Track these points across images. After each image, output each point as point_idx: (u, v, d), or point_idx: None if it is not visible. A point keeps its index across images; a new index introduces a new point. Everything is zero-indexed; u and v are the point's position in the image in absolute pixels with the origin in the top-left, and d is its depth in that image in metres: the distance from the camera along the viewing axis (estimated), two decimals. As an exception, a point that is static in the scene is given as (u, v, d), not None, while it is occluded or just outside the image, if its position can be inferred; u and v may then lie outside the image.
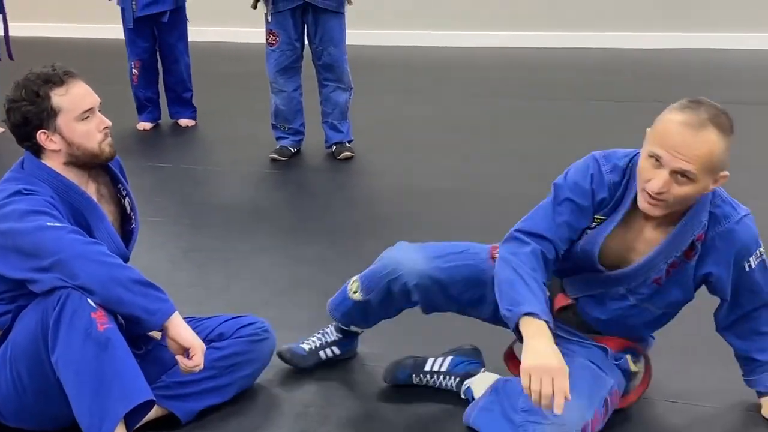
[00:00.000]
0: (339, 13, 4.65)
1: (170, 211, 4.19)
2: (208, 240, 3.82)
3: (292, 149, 4.87)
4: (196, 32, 7.27)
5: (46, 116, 2.29)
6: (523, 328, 2.12)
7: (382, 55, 7.17)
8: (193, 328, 2.28)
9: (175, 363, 2.30)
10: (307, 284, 3.32)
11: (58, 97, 2.29)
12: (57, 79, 2.29)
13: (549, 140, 5.01)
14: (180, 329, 2.22)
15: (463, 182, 4.42)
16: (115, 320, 2.20)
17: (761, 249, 2.31)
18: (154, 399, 2.21)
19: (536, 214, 2.30)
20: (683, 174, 2.08)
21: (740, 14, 7.14)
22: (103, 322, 2.13)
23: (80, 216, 2.32)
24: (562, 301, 2.44)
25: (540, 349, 2.07)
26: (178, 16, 5.34)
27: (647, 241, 2.27)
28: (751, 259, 2.28)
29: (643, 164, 2.13)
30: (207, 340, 2.40)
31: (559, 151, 4.59)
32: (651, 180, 2.10)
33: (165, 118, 5.60)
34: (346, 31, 4.74)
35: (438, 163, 4.70)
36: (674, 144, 2.06)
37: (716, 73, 6.47)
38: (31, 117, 2.29)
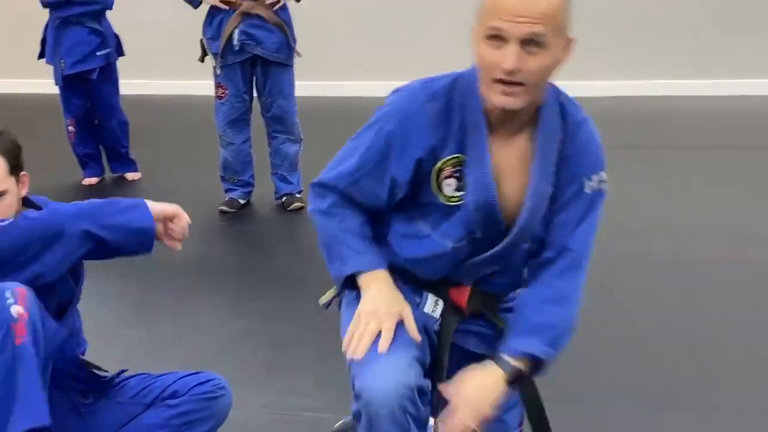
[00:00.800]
0: (288, 66, 4.69)
1: (118, 266, 4.11)
2: (158, 295, 3.77)
3: (241, 201, 4.85)
4: (144, 85, 7.30)
5: None
6: (360, 283, 1.96)
7: (330, 105, 7.21)
8: (146, 386, 2.24)
9: (128, 419, 2.26)
10: (259, 337, 3.29)
11: None
12: None
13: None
14: (156, 205, 2.29)
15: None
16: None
17: (605, 174, 1.95)
18: (51, 427, 2.15)
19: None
20: (533, 40, 1.76)
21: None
22: (20, 336, 2.08)
23: None
24: (461, 294, 2.04)
25: (375, 294, 1.92)
26: (109, 73, 5.31)
27: (520, 170, 1.92)
28: (593, 177, 1.93)
29: (483, 50, 1.80)
30: (161, 398, 2.35)
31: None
32: (499, 63, 1.77)
33: (110, 171, 5.56)
34: (295, 82, 4.78)
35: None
36: (513, 7, 1.75)
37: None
38: None
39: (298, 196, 4.84)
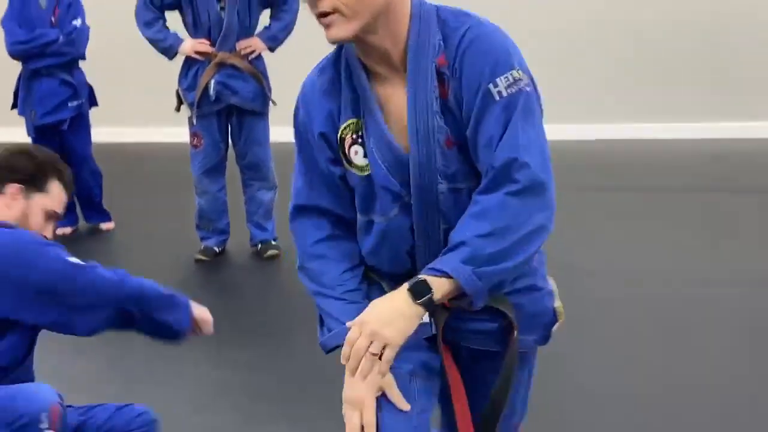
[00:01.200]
0: (263, 114, 4.72)
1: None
2: (134, 347, 3.73)
3: (216, 249, 4.84)
4: (117, 133, 7.30)
5: None
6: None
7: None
8: (83, 422, 2.26)
9: None
10: (237, 388, 3.27)
11: None
12: None
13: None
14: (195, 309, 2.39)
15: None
16: None
17: (518, 71, 1.68)
18: None
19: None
20: None
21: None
22: None
23: None
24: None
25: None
26: (81, 124, 5.31)
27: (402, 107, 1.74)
28: (499, 81, 1.67)
29: None
30: None
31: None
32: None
33: (84, 220, 5.54)
34: (270, 129, 4.81)
35: (364, 259, 4.72)
36: None
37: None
38: None
39: (273, 243, 4.83)
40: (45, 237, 2.34)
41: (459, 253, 1.63)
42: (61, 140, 5.28)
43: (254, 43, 4.64)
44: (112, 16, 6.24)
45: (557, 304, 1.88)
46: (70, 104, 5.19)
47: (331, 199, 1.87)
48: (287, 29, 4.73)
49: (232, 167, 4.85)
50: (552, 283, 1.90)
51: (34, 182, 2.34)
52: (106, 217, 5.52)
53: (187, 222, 4.95)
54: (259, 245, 4.82)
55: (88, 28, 5.26)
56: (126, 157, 6.44)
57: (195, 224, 4.86)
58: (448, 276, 1.63)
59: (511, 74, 1.67)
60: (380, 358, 1.64)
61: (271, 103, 4.73)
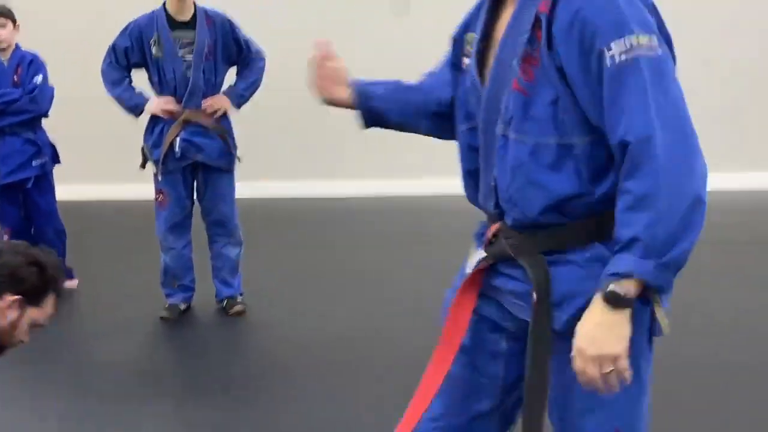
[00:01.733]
0: (229, 171, 4.75)
1: (54, 376, 4.04)
2: (95, 406, 3.69)
3: (182, 306, 4.82)
4: (83, 191, 7.28)
5: None
6: None
7: (271, 206, 7.27)
8: None
9: None
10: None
11: None
12: None
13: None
14: None
15: (357, 332, 4.44)
16: None
17: (635, 37, 1.60)
18: None
19: None
20: None
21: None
22: None
23: None
24: (489, 231, 1.84)
25: None
26: (45, 182, 5.29)
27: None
28: (613, 45, 1.59)
29: None
30: None
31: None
32: None
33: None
34: (236, 184, 4.84)
35: (331, 314, 4.73)
36: None
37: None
38: None
39: (239, 299, 4.83)
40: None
41: (635, 251, 1.59)
42: (25, 198, 5.27)
43: (220, 101, 4.68)
44: (77, 74, 6.29)
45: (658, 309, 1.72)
46: (33, 163, 5.18)
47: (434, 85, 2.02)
48: (253, 87, 4.79)
49: (197, 223, 4.86)
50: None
51: (34, 297, 2.32)
52: (69, 275, 5.48)
53: (152, 279, 4.93)
54: (225, 301, 4.82)
55: (52, 87, 5.28)
56: (90, 214, 6.42)
57: (160, 281, 4.84)
58: (631, 277, 1.61)
59: (627, 40, 1.60)
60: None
61: (236, 160, 4.77)
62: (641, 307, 1.68)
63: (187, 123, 4.62)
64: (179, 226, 4.74)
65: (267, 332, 4.64)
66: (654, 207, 1.58)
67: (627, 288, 1.61)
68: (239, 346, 4.43)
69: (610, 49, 1.60)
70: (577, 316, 1.68)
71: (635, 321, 1.66)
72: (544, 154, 1.70)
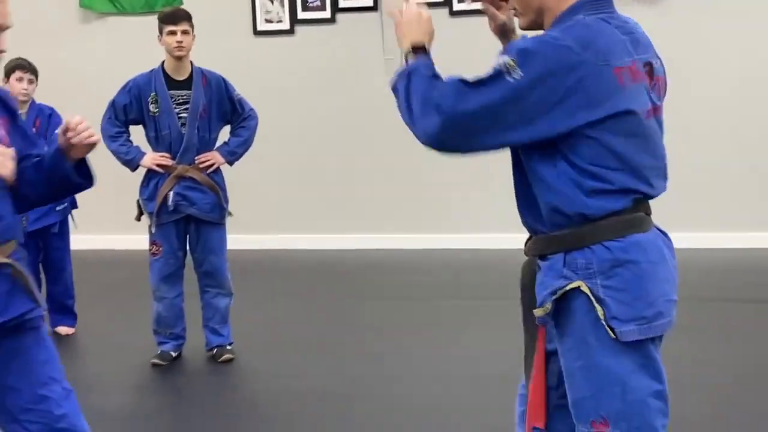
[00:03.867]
0: (220, 224, 4.91)
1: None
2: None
3: (173, 354, 4.96)
4: (78, 240, 7.39)
5: None
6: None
7: (261, 258, 7.40)
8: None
9: None
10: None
11: None
12: None
13: (435, 339, 5.19)
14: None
15: (346, 383, 4.55)
16: None
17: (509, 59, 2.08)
18: None
19: None
20: None
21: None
22: None
23: None
24: None
25: None
26: (65, 227, 5.50)
27: None
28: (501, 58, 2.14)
29: None
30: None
31: (447, 350, 4.85)
32: None
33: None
34: (227, 237, 5.00)
35: (320, 364, 4.83)
36: None
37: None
38: None
39: (228, 348, 4.96)
40: None
41: None
42: (44, 244, 5.43)
43: (213, 157, 4.87)
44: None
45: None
46: (56, 209, 5.34)
47: None
48: (246, 144, 4.99)
49: (189, 272, 5.01)
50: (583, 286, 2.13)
51: None
52: (74, 321, 5.62)
53: (143, 327, 5.06)
54: (215, 350, 4.95)
55: None
56: (86, 263, 6.54)
57: (152, 329, 4.97)
58: None
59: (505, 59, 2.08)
60: None
61: (227, 213, 4.94)
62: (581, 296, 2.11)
63: (180, 177, 4.80)
64: (172, 277, 4.89)
65: (255, 381, 4.75)
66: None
67: None
68: (228, 394, 4.53)
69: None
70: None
71: (579, 308, 2.11)
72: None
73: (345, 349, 5.12)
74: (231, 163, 4.98)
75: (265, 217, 7.76)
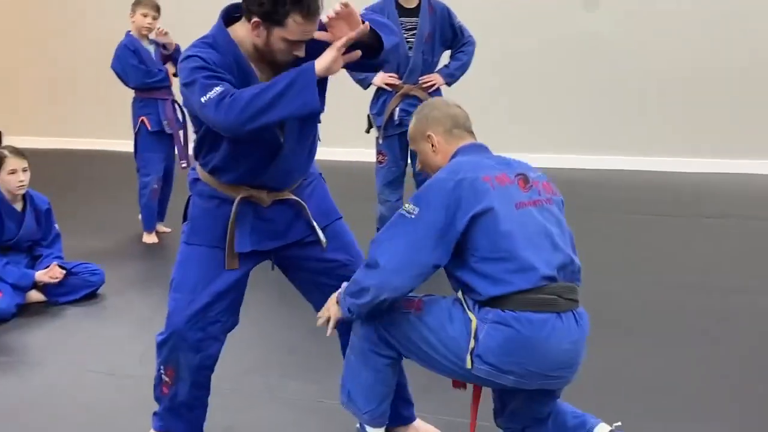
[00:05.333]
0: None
1: None
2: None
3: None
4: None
5: None
6: None
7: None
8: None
9: None
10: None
11: None
12: None
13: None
14: None
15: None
16: None
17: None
18: None
19: None
20: None
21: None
22: None
23: None
24: None
25: None
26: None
27: None
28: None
29: None
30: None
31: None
32: None
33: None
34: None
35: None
36: None
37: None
38: None
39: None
40: None
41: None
42: (170, 148, 6.13)
43: (434, 78, 5.36)
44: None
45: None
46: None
47: None
48: (463, 68, 5.45)
49: (409, 182, 5.47)
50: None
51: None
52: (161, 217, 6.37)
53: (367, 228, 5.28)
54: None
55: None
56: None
57: (375, 228, 5.49)
58: None
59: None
60: None
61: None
62: None
63: (405, 95, 5.32)
64: (394, 182, 5.44)
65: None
66: None
67: None
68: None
69: None
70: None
71: None
72: None
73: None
74: (449, 84, 5.43)
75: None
